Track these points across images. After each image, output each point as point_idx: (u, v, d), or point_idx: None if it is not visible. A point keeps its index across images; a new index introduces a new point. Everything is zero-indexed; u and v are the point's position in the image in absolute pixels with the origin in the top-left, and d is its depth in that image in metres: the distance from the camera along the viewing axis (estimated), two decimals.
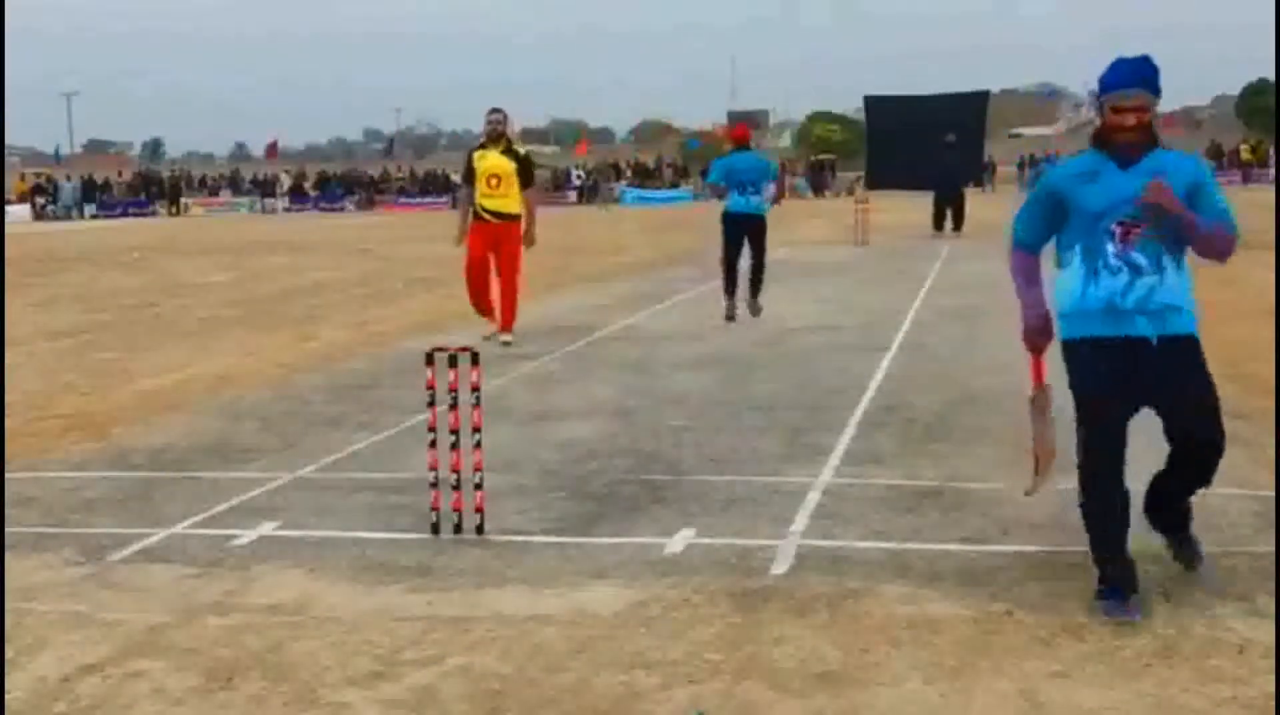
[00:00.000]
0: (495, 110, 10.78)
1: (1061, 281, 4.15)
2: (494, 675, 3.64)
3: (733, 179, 11.18)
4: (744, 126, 13.06)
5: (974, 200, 35.94)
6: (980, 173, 49.12)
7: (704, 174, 11.91)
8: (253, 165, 73.21)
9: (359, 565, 4.69)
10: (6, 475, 6.02)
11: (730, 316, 11.23)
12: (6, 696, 3.59)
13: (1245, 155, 53.51)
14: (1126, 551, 4.07)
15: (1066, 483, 5.54)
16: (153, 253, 25.85)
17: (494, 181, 10.52)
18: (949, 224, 23.87)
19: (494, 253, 10.58)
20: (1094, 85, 4.20)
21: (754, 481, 5.74)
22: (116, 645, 3.95)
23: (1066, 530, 4.86)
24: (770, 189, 11.74)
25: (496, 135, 10.68)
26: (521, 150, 10.95)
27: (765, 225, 11.33)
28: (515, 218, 10.64)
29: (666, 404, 7.72)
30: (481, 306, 10.81)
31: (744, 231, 11.19)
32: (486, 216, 10.54)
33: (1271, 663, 3.54)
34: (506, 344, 10.28)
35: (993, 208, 33.23)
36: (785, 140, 77.96)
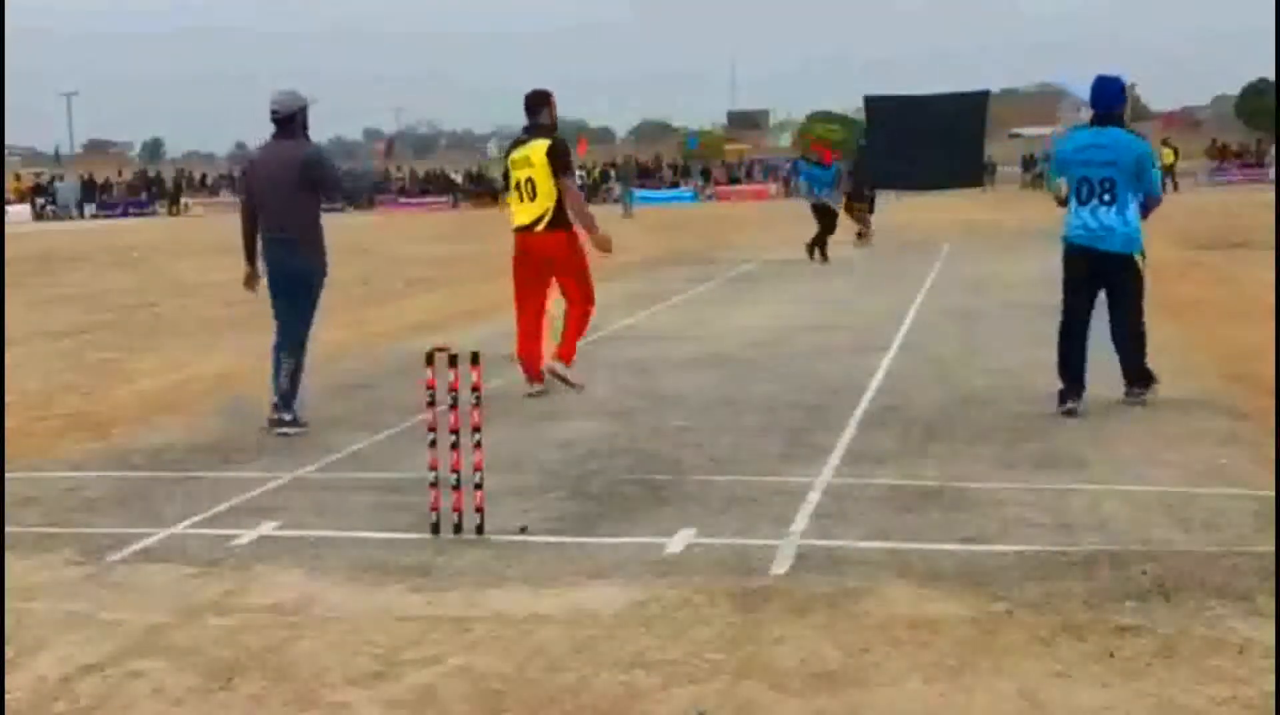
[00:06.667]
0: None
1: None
2: (494, 675, 3.64)
3: (817, 181, 20.10)
4: (828, 153, 21.22)
5: (974, 201, 35.89)
6: (980, 173, 49.06)
7: (795, 173, 21.81)
8: None
9: (359, 565, 4.69)
10: (6, 475, 6.01)
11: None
12: (6, 696, 3.59)
13: (1168, 159, 43.22)
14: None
15: (1065, 482, 5.56)
16: (153, 252, 25.87)
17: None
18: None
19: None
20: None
21: (754, 481, 5.73)
22: (116, 645, 3.95)
23: (1066, 530, 4.87)
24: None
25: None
26: None
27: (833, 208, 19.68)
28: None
29: (666, 404, 7.71)
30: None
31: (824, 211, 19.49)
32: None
33: (1271, 663, 3.53)
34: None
35: (992, 208, 33.23)
36: (785, 140, 77.83)
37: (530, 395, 8.07)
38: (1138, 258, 6.95)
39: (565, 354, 8.22)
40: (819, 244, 18.98)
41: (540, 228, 8.13)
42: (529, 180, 8.11)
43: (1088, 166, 6.92)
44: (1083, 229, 6.94)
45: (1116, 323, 7.04)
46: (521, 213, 8.20)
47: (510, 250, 8.34)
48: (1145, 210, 7.02)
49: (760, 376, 8.66)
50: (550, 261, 8.21)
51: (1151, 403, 7.16)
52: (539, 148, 8.11)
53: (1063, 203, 7.14)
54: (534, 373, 8.18)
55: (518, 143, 8.33)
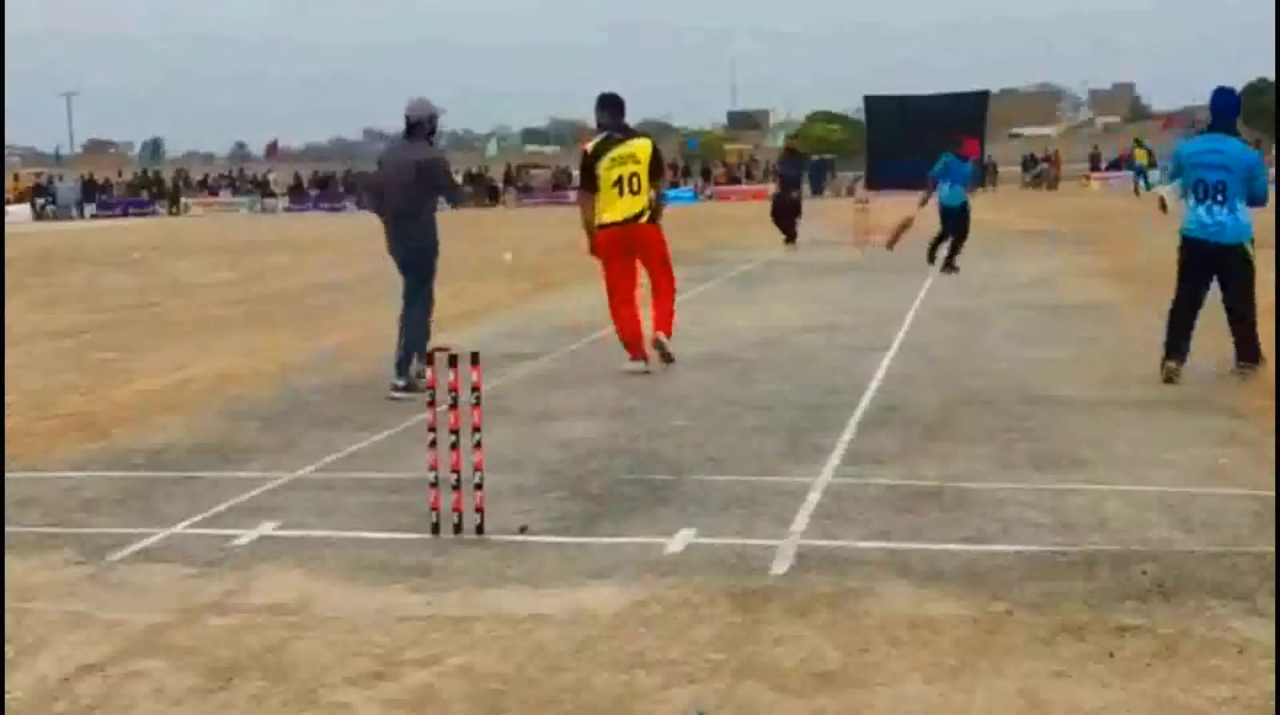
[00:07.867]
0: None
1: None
2: (494, 675, 3.64)
3: (949, 176, 16.24)
4: (973, 145, 17.62)
5: (973, 201, 35.83)
6: (980, 173, 49.09)
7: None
8: (253, 165, 73.23)
9: (359, 565, 4.69)
10: (6, 475, 6.01)
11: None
12: (6, 696, 3.59)
13: (1140, 158, 43.24)
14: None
15: (1065, 482, 5.56)
16: (153, 252, 25.86)
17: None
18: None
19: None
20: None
21: (754, 481, 5.73)
22: (116, 645, 3.95)
23: (1066, 530, 4.87)
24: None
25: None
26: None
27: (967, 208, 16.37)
28: None
29: (666, 404, 7.71)
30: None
31: (953, 212, 16.30)
32: None
33: (1271, 663, 3.54)
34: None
35: (992, 208, 33.21)
36: (785, 140, 77.84)
37: (630, 372, 8.70)
38: (1247, 245, 7.83)
39: (669, 327, 8.93)
40: (953, 250, 16.34)
41: (643, 219, 8.86)
42: (634, 176, 8.78)
43: (1203, 169, 7.82)
44: (1198, 225, 7.83)
45: (1230, 304, 7.89)
46: (622, 206, 8.79)
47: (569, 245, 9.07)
48: (1251, 204, 7.92)
49: (760, 376, 8.66)
50: (645, 249, 8.95)
51: (1155, 402, 7.17)
52: (645, 146, 8.89)
53: (1164, 208, 8.18)
54: (640, 351, 8.81)
55: (611, 140, 8.83)
